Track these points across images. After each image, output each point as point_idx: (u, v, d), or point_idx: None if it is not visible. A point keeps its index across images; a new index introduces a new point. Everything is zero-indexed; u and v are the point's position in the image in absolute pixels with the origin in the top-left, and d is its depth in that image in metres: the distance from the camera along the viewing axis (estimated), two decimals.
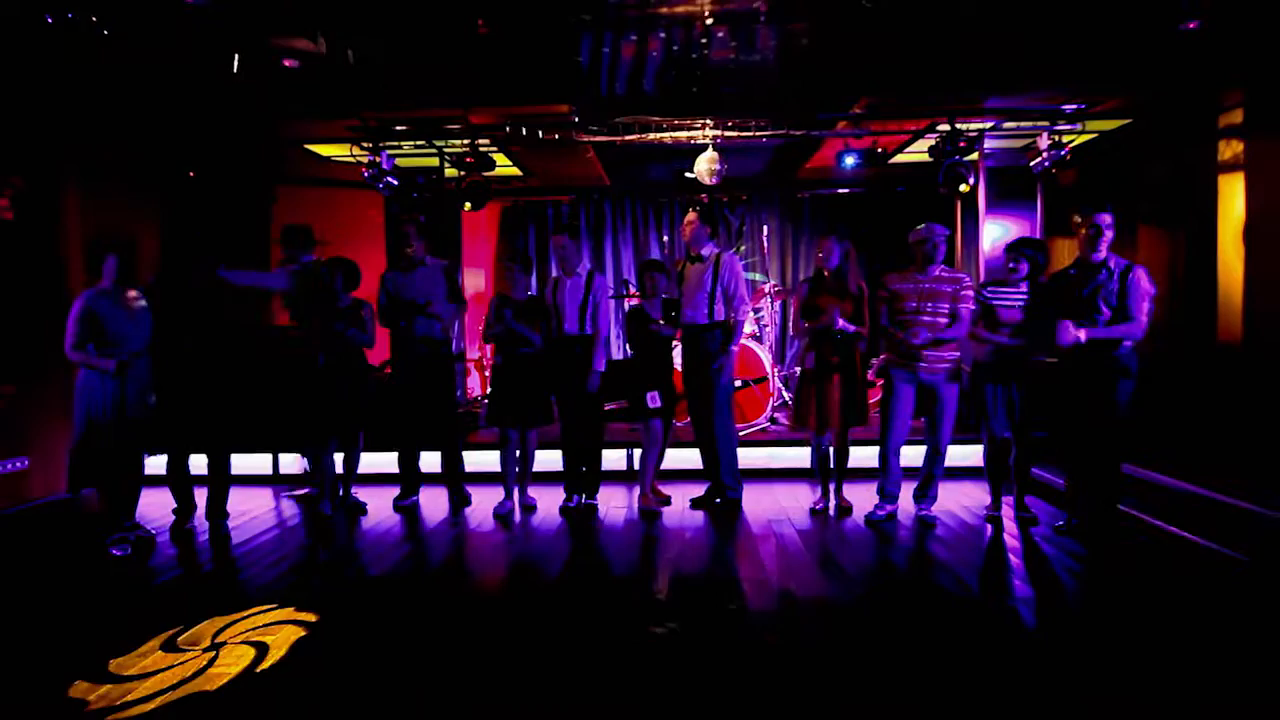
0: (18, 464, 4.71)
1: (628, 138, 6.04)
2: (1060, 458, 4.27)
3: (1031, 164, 5.73)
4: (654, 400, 4.51)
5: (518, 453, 4.72)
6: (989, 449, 4.33)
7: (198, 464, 4.47)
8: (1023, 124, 5.78)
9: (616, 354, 7.92)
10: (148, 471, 4.33)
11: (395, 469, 4.95)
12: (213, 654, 2.76)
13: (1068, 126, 5.67)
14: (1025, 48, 4.74)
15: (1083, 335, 3.74)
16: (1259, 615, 3.08)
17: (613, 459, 5.38)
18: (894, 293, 4.24)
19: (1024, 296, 4.09)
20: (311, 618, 3.07)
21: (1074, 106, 5.56)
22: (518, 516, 4.66)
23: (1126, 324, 3.76)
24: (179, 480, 4.42)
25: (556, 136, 5.95)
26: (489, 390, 4.81)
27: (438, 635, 2.96)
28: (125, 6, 4.08)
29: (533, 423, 4.65)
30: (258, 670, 2.63)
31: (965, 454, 5.26)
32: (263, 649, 2.79)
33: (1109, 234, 3.83)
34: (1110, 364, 3.80)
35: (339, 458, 4.78)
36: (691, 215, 4.58)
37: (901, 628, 2.95)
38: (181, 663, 2.69)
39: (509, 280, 4.66)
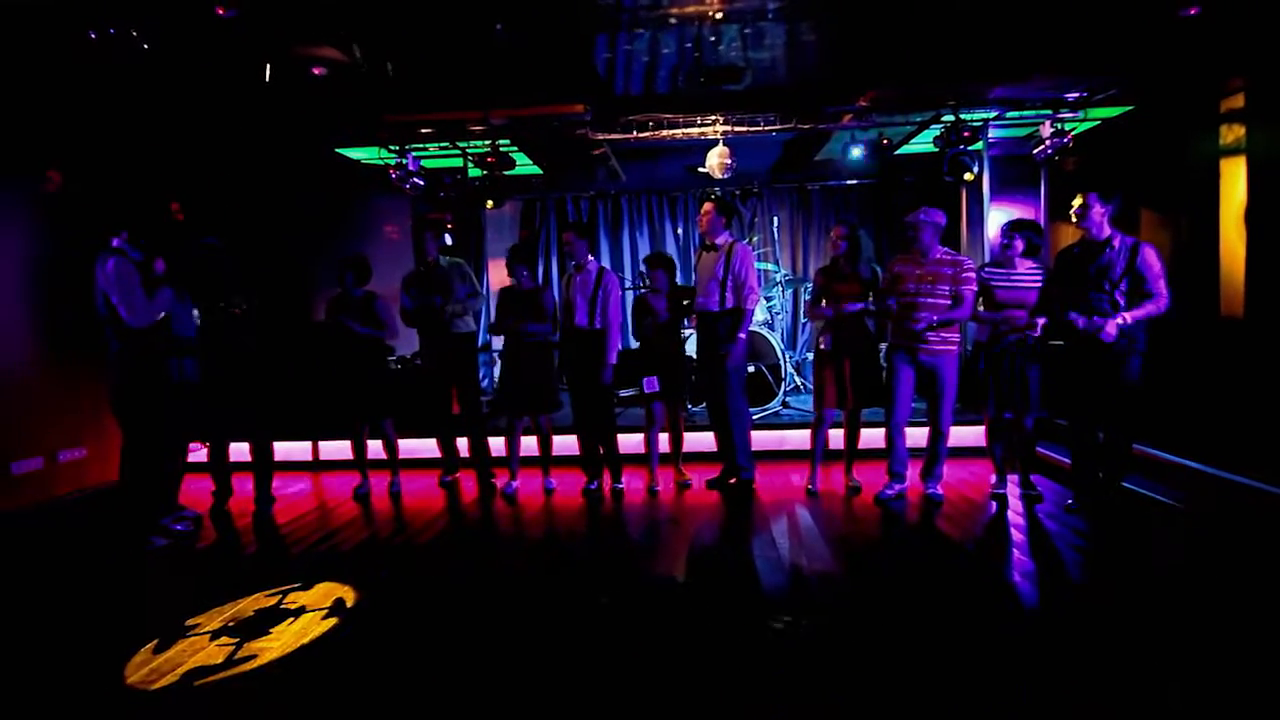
0: (78, 453, 5.10)
1: (641, 135, 6.24)
2: (1069, 435, 4.37)
3: (1034, 151, 5.85)
4: (651, 385, 4.77)
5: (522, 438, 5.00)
6: (990, 428, 4.49)
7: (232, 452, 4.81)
8: (1026, 113, 5.90)
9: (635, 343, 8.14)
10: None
11: (419, 455, 5.31)
12: (263, 625, 3.03)
13: (1070, 114, 5.78)
14: (1027, 37, 4.84)
15: (1128, 319, 3.78)
16: (1257, 589, 3.21)
17: (633, 442, 5.58)
18: (896, 275, 4.39)
19: (1021, 276, 4.22)
20: (351, 591, 3.33)
21: (1076, 95, 5.66)
22: (541, 498, 4.91)
23: (1151, 300, 3.81)
24: (219, 466, 4.76)
25: (574, 134, 6.16)
26: (498, 379, 5.07)
27: (471, 604, 3.23)
28: (164, 20, 4.37)
29: (539, 409, 4.89)
30: (303, 642, 2.89)
31: (973, 434, 5.42)
32: (307, 621, 3.06)
33: (1096, 208, 3.88)
34: (1123, 340, 3.86)
35: (377, 445, 5.13)
36: (708, 205, 4.72)
37: (907, 602, 3.11)
38: (235, 634, 2.97)
39: (512, 276, 4.91)
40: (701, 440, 5.52)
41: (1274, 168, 4.90)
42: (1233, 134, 5.22)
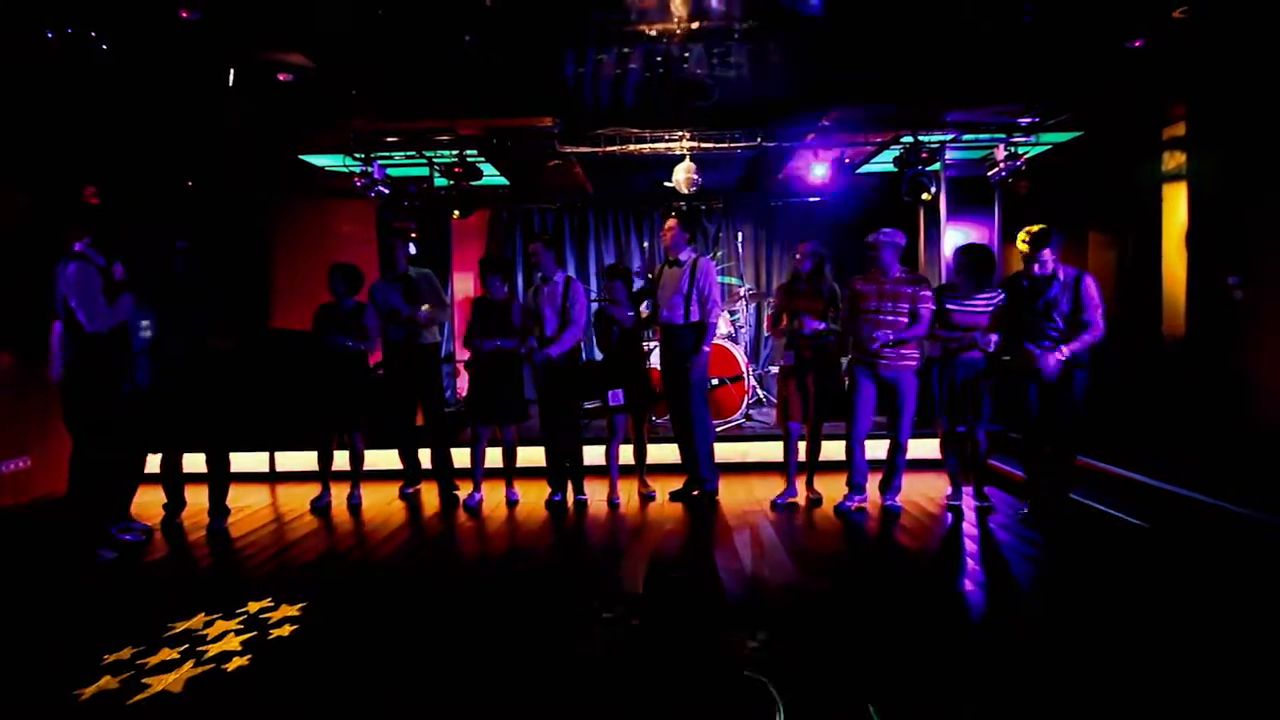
0: (22, 463, 4.93)
1: (609, 149, 6.28)
2: (1019, 449, 4.52)
3: (989, 174, 6.04)
4: (615, 398, 4.80)
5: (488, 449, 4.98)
6: (944, 442, 4.61)
7: (190, 463, 4.68)
8: (981, 136, 6.09)
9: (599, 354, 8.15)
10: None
11: (379, 467, 5.27)
12: (210, 643, 2.97)
13: (1023, 139, 5.99)
14: (983, 65, 5.01)
15: (1065, 352, 4.02)
16: (1194, 593, 3.35)
17: (601, 454, 5.57)
18: (857, 293, 4.49)
19: (975, 301, 4.35)
20: (295, 610, 3.23)
21: (1028, 120, 5.87)
22: (504, 510, 4.88)
23: (1089, 331, 4.04)
24: (172, 477, 4.64)
25: (542, 147, 6.18)
26: (467, 390, 5.07)
27: (427, 619, 3.20)
28: (125, 22, 4.29)
29: (507, 419, 4.89)
30: (251, 659, 2.84)
31: (930, 447, 5.53)
32: (258, 638, 3.00)
33: (1047, 255, 4.11)
34: (1068, 361, 4.07)
35: (344, 456, 5.05)
36: (671, 221, 4.80)
37: (865, 610, 3.18)
38: (182, 652, 2.90)
39: (485, 286, 4.90)
40: (666, 452, 5.56)
41: (1213, 193, 5.15)
42: (1175, 160, 5.47)
